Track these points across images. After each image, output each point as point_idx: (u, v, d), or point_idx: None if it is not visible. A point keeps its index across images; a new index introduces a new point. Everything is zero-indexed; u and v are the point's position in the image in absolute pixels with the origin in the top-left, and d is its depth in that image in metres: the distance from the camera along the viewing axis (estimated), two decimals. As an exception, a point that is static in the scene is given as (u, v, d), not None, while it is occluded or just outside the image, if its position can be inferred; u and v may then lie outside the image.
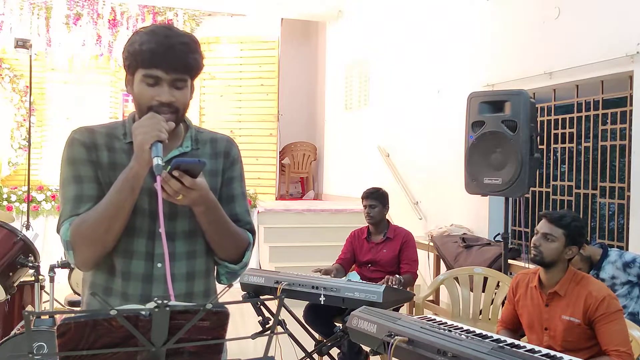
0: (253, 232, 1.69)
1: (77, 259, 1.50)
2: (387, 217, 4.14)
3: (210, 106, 8.47)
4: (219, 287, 1.69)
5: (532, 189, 4.70)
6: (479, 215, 5.34)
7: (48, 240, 6.45)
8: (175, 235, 1.54)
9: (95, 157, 1.53)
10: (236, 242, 1.61)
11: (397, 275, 3.53)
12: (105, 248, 1.49)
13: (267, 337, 1.26)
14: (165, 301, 1.14)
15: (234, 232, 1.60)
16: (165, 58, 1.46)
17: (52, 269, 3.16)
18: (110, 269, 1.54)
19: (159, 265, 1.52)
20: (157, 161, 1.38)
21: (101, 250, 1.49)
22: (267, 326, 3.43)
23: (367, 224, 4.09)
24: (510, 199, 4.25)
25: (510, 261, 4.25)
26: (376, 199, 4.01)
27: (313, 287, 3.21)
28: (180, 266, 1.55)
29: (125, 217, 1.48)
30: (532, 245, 2.57)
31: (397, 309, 3.54)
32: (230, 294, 1.34)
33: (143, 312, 1.13)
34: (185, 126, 1.63)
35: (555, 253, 2.51)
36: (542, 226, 2.57)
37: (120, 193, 1.45)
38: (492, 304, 3.75)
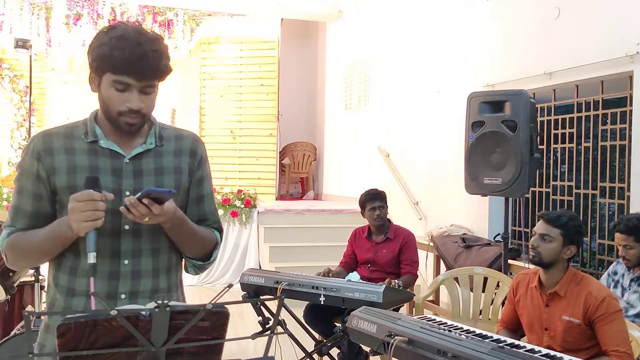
0: (220, 231, 1.72)
1: (8, 264, 1.60)
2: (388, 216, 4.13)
3: (210, 106, 8.47)
4: (187, 282, 1.72)
5: (532, 189, 4.70)
6: (479, 215, 5.34)
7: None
8: (140, 232, 1.55)
9: (49, 164, 1.53)
10: (203, 245, 1.65)
11: (396, 281, 3.53)
12: (35, 265, 1.60)
13: (267, 337, 1.26)
14: (165, 301, 1.14)
15: (202, 239, 1.64)
16: (138, 67, 1.46)
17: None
18: (72, 270, 1.54)
19: (126, 262, 1.53)
20: (91, 259, 1.41)
21: (32, 266, 1.63)
22: (267, 326, 3.43)
23: (369, 224, 4.08)
24: (510, 199, 4.25)
25: (510, 261, 4.25)
26: (382, 199, 4.02)
27: (313, 287, 3.21)
28: (146, 262, 1.56)
29: (55, 254, 1.55)
30: (530, 246, 2.57)
31: (397, 309, 3.54)
32: (230, 294, 1.34)
33: (143, 312, 1.14)
34: (150, 123, 1.63)
35: (554, 253, 2.50)
36: (539, 227, 2.56)
37: (51, 244, 1.51)
38: (492, 304, 3.74)
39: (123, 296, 1.52)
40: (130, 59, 1.44)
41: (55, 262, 1.57)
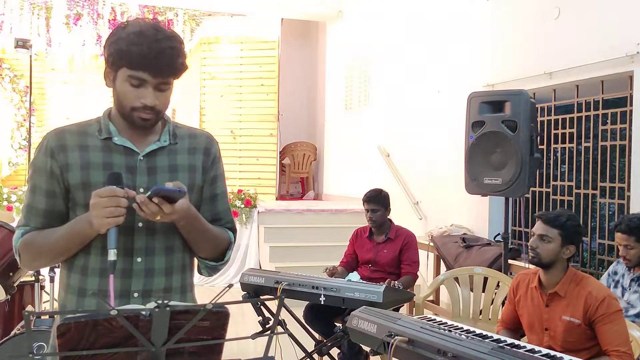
0: (234, 231, 1.71)
1: (22, 265, 1.58)
2: (389, 217, 4.12)
3: (210, 106, 8.47)
4: (196, 281, 1.70)
5: (532, 189, 4.70)
6: (479, 215, 5.33)
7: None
8: (154, 230, 1.54)
9: (62, 160, 1.52)
10: (216, 245, 1.64)
11: (397, 282, 3.53)
12: (50, 265, 1.59)
13: (267, 337, 1.26)
14: (165, 301, 1.14)
15: (214, 237, 1.62)
16: (155, 63, 1.45)
17: (52, 269, 3.16)
18: (83, 269, 1.53)
19: (139, 259, 1.52)
20: (112, 256, 1.40)
21: (46, 266, 1.62)
22: (267, 326, 3.43)
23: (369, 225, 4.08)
24: (510, 199, 4.24)
25: (510, 261, 4.25)
26: (378, 202, 3.98)
27: (313, 287, 3.21)
28: (160, 261, 1.55)
29: (72, 253, 1.52)
30: (529, 247, 2.57)
31: (397, 309, 3.54)
32: (230, 294, 1.34)
33: (143, 312, 1.14)
34: (163, 121, 1.63)
35: (553, 254, 2.50)
36: (538, 227, 2.56)
37: (69, 243, 1.49)
38: (492, 304, 3.74)
39: (136, 294, 1.51)
40: (147, 55, 1.44)
41: (67, 262, 1.55)
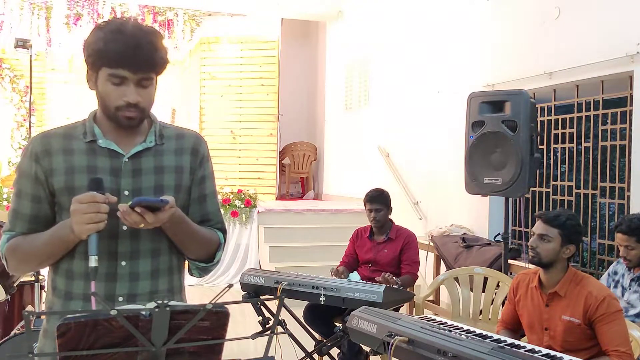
0: (224, 231, 1.69)
1: (9, 270, 1.58)
2: (389, 217, 4.13)
3: (210, 106, 8.47)
4: (187, 282, 1.69)
5: (532, 189, 4.70)
6: (479, 215, 5.33)
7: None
8: (139, 233, 1.52)
9: (47, 165, 1.51)
10: (205, 246, 1.62)
11: (395, 278, 3.53)
12: (37, 269, 1.59)
13: (267, 337, 1.26)
14: (165, 301, 1.14)
15: (202, 238, 1.60)
16: (133, 59, 1.44)
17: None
18: (68, 273, 1.52)
19: (123, 263, 1.50)
20: (92, 262, 1.39)
21: (34, 270, 1.61)
22: (267, 326, 3.43)
23: (371, 225, 4.08)
24: (511, 199, 4.25)
25: (510, 261, 4.25)
26: (381, 202, 3.98)
27: (313, 287, 3.21)
28: (145, 264, 1.53)
29: (57, 258, 1.52)
30: (529, 247, 2.58)
31: (397, 309, 3.54)
32: (230, 294, 1.34)
33: (143, 312, 1.14)
34: (150, 121, 1.61)
35: (553, 253, 2.50)
36: (538, 227, 2.57)
37: (53, 248, 1.49)
38: (492, 304, 3.74)
39: (120, 299, 1.50)
40: (125, 51, 1.43)
41: (53, 266, 1.55)
